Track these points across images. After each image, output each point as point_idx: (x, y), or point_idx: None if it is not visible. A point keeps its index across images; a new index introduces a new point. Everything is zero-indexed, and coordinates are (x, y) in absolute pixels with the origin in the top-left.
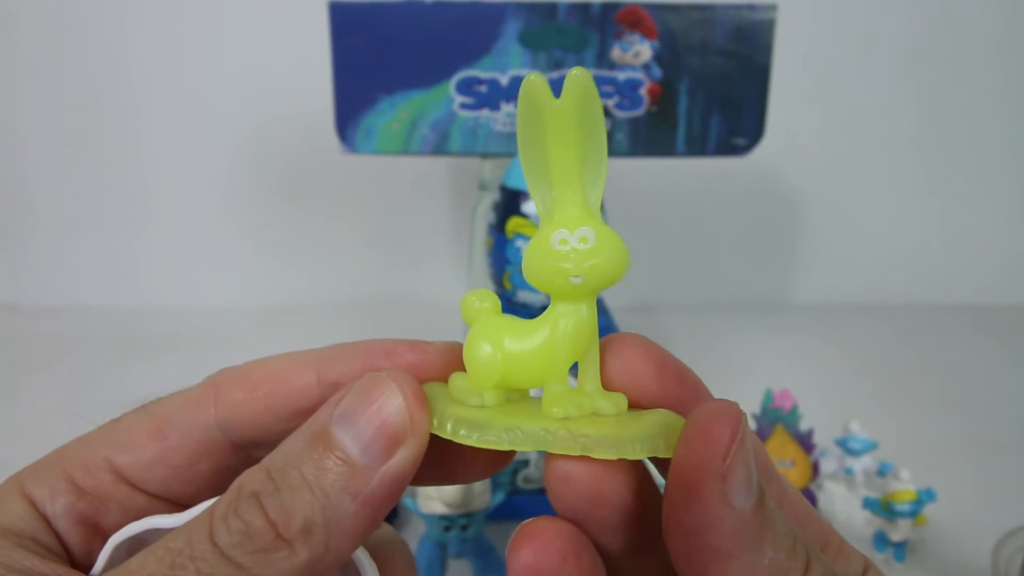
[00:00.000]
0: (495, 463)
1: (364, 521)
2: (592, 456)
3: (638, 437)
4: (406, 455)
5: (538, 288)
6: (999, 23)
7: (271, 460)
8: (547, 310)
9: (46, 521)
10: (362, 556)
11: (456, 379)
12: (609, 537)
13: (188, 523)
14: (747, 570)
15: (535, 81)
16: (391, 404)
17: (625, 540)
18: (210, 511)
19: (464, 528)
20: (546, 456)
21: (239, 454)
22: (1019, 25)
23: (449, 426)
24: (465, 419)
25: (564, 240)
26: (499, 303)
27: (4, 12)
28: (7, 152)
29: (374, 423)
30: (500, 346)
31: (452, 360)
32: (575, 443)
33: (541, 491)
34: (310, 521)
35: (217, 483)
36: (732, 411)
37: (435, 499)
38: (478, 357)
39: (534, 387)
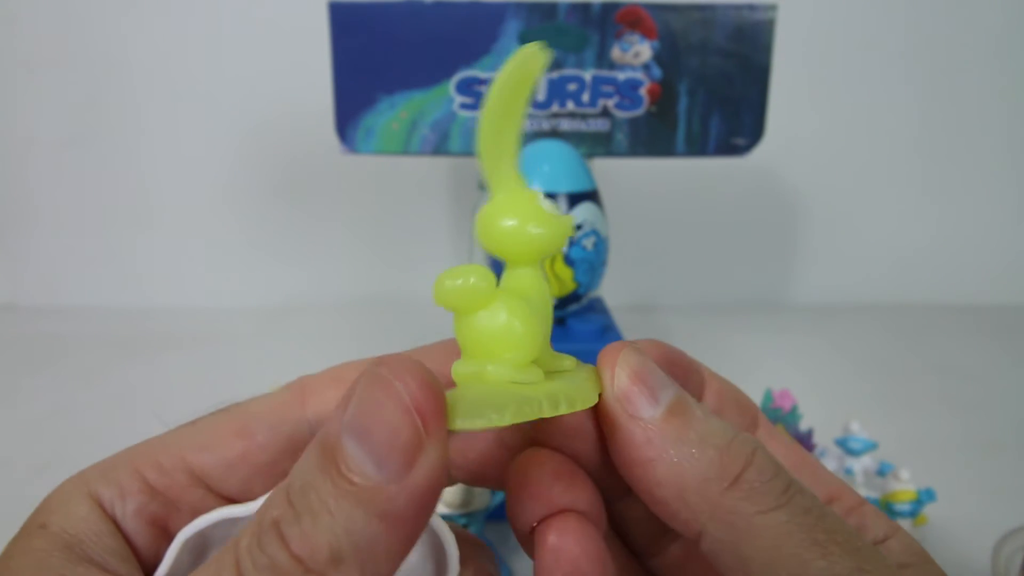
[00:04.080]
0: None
1: (398, 541)
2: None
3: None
4: (429, 462)
5: (518, 256)
6: (999, 23)
7: (290, 478)
8: (515, 283)
9: (114, 523)
10: (442, 527)
11: (461, 365)
12: (598, 474)
13: (219, 554)
14: (670, 468)
15: (538, 53)
16: (398, 407)
17: (610, 480)
18: (236, 541)
19: (464, 528)
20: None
21: None
22: (1019, 25)
23: (511, 411)
24: (528, 397)
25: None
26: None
27: (4, 12)
28: (7, 152)
29: (384, 432)
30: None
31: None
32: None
33: None
34: (336, 550)
35: None
36: (615, 347)
37: None
38: (521, 331)
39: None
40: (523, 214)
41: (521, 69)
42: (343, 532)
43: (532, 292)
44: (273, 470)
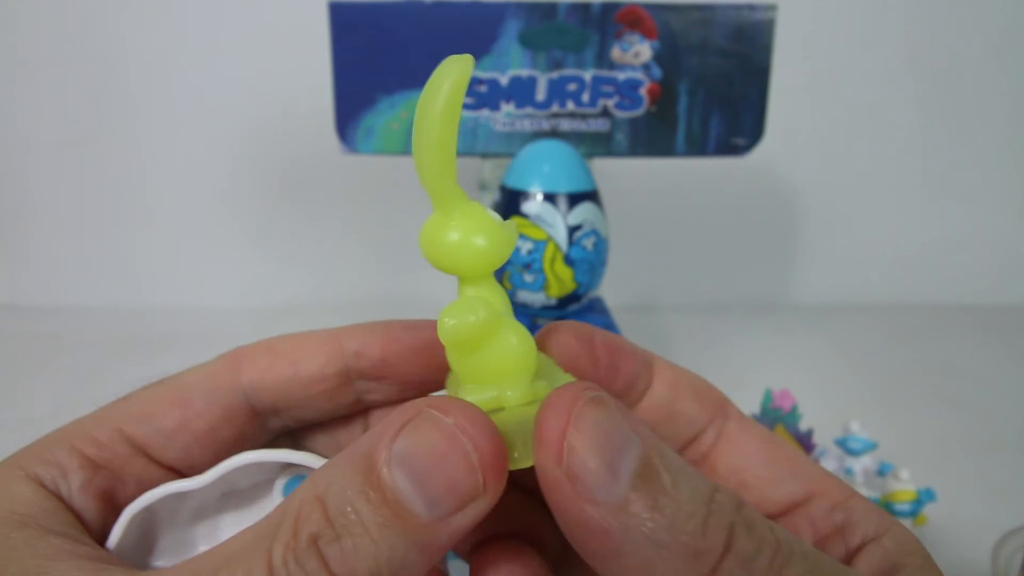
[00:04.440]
0: None
1: (426, 568)
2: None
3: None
4: (479, 508)
5: (469, 270)
6: (999, 23)
7: (323, 490)
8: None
9: (60, 500)
10: None
11: (472, 393)
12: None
13: (243, 552)
14: (638, 565)
15: (463, 61)
16: (462, 463)
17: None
18: (268, 548)
19: None
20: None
21: (256, 421)
22: (1019, 25)
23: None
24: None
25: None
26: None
27: (4, 12)
28: (7, 152)
29: (442, 479)
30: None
31: None
32: None
33: None
34: (375, 574)
35: (236, 450)
36: (563, 398)
37: None
38: (528, 350)
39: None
40: (465, 227)
41: (453, 81)
42: (385, 561)
43: (500, 304)
44: (212, 436)
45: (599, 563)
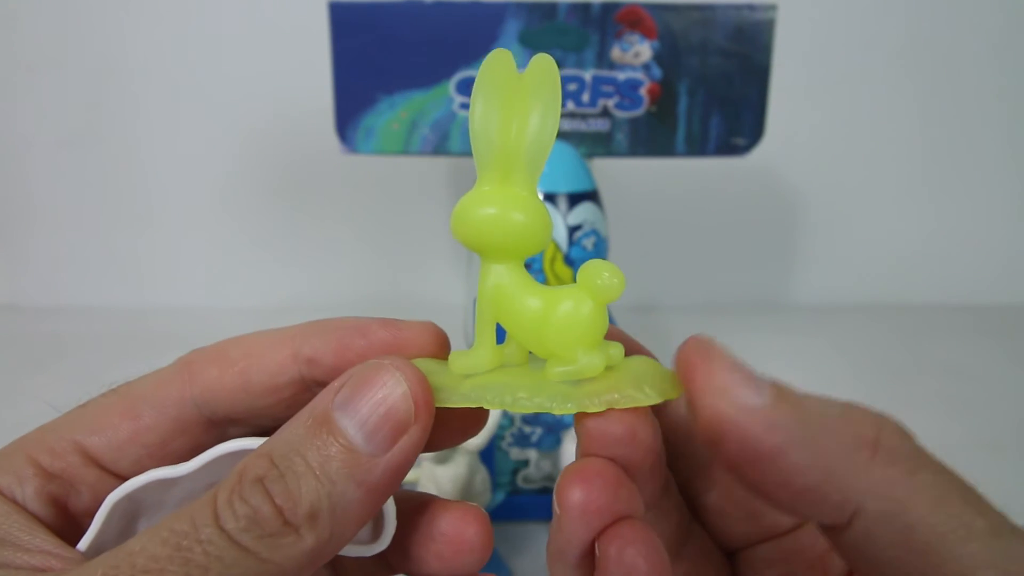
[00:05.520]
0: (463, 432)
1: (367, 508)
2: (616, 407)
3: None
4: (410, 442)
5: (507, 248)
6: (999, 23)
7: (272, 446)
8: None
9: (18, 506)
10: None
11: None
12: (641, 481)
13: (191, 507)
14: (809, 449)
15: (504, 54)
16: (395, 392)
17: (652, 486)
18: (213, 495)
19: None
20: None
21: (214, 431)
22: (1019, 25)
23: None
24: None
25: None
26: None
27: (4, 12)
28: (7, 152)
29: (378, 411)
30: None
31: (427, 339)
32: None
33: (541, 491)
34: (316, 508)
35: None
36: (697, 342)
37: None
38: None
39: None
40: (505, 202)
41: (494, 71)
42: (325, 493)
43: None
44: (163, 450)
45: (769, 468)
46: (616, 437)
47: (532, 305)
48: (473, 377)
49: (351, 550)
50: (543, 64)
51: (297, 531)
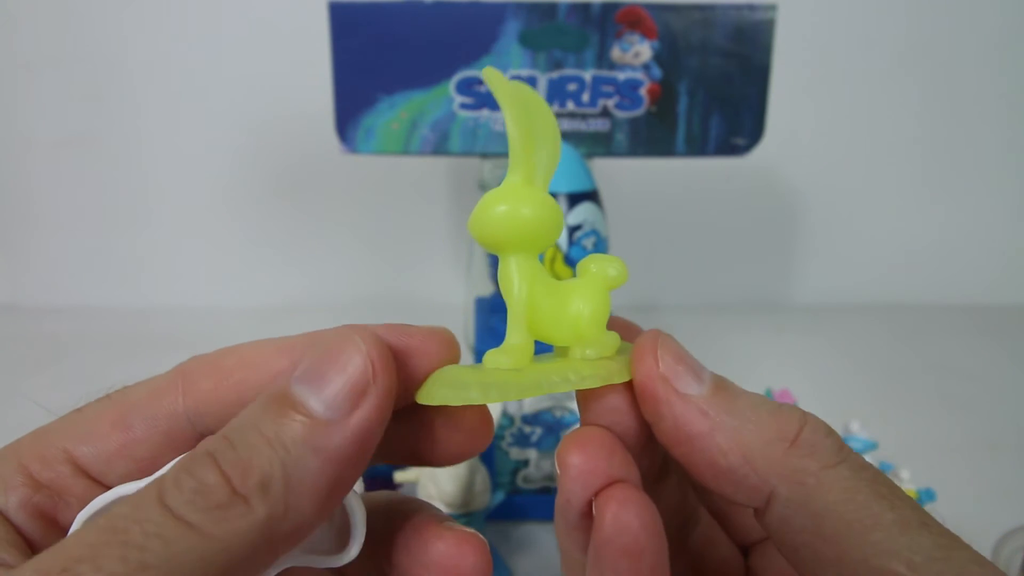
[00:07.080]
0: (469, 446)
1: (327, 480)
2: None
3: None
4: (370, 407)
5: (516, 242)
6: (999, 23)
7: (228, 426)
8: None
9: (2, 515)
10: (353, 501)
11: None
12: (636, 452)
13: (138, 490)
14: (731, 434)
15: (494, 72)
16: (354, 356)
17: (649, 460)
18: (161, 477)
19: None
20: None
21: None
22: (1019, 25)
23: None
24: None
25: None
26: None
27: (4, 12)
28: (7, 152)
29: (337, 376)
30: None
31: (439, 345)
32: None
33: (541, 491)
34: (268, 475)
35: None
36: (652, 334)
37: (435, 499)
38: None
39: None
40: (515, 198)
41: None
42: (279, 461)
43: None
44: (154, 464)
45: (696, 448)
46: (610, 406)
47: (551, 295)
48: (490, 375)
49: (315, 560)
50: (504, 84)
51: (247, 501)
